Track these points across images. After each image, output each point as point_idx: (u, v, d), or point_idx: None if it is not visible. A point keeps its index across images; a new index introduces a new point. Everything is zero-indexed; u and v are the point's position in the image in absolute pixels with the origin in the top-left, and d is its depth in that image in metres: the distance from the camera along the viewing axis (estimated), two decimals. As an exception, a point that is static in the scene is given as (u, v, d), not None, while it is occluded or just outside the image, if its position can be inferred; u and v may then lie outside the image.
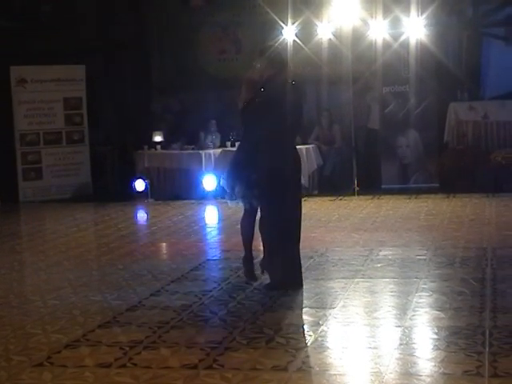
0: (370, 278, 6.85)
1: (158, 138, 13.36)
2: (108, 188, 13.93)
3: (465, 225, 9.48)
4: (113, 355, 4.96)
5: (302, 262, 7.41)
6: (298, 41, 12.38)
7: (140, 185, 12.97)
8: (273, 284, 6.52)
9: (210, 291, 6.61)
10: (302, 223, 9.28)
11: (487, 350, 4.78)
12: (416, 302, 5.90)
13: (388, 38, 12.28)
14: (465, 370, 4.45)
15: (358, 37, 12.29)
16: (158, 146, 13.31)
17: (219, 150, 12.93)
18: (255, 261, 6.96)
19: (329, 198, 12.32)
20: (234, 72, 12.81)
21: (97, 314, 6.01)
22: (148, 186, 12.97)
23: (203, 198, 12.53)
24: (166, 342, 5.21)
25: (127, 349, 5.08)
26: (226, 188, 6.80)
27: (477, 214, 10.14)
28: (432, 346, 4.95)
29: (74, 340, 5.33)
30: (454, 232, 8.98)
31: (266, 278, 6.74)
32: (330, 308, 5.90)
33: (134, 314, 5.98)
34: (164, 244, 9.40)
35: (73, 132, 13.88)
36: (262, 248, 6.88)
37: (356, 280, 6.76)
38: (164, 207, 12.19)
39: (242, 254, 6.97)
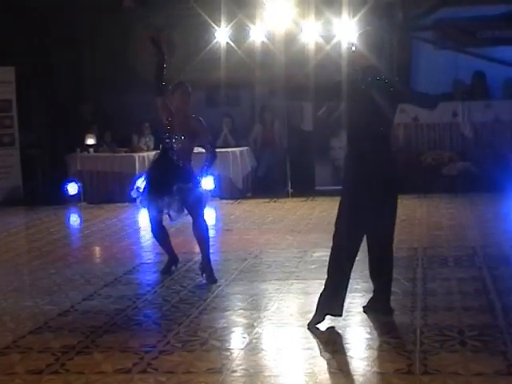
0: (304, 279, 6.89)
1: (90, 141, 13.19)
2: (39, 191, 13.68)
3: (396, 225, 9.56)
4: (44, 361, 4.88)
5: (236, 265, 7.48)
6: (232, 43, 12.40)
7: (72, 188, 12.79)
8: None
9: (144, 295, 6.57)
10: (236, 225, 9.31)
11: (418, 348, 4.86)
12: (349, 303, 5.95)
13: (320, 40, 12.39)
14: (397, 369, 4.52)
15: (290, 39, 12.37)
16: (91, 149, 13.15)
17: (153, 153, 12.84)
18: (196, 259, 7.00)
19: (263, 200, 12.35)
20: (168, 74, 12.70)
21: (28, 319, 5.90)
22: (81, 190, 12.81)
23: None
24: (99, 347, 5.15)
25: (59, 354, 5.00)
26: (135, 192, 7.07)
27: (408, 215, 10.29)
28: (365, 346, 5.02)
29: (4, 347, 5.22)
30: (386, 232, 9.08)
31: (203, 279, 6.84)
32: (264, 310, 5.93)
33: (66, 318, 5.90)
34: (97, 247, 9.30)
35: (2, 135, 13.58)
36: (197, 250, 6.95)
37: (290, 281, 6.80)
38: (97, 210, 12.05)
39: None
